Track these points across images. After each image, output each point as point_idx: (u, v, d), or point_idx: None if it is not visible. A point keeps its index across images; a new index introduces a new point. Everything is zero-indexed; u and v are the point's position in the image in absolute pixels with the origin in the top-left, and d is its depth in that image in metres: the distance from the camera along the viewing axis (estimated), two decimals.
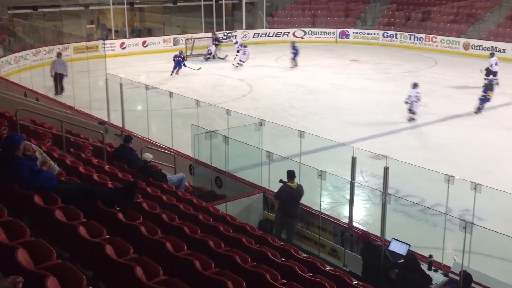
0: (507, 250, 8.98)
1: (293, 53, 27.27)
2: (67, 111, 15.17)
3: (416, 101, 17.93)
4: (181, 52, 26.12)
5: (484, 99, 18.75)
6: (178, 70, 25.18)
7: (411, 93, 18.03)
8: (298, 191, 9.78)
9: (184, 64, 25.44)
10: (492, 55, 23.07)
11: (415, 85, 18.27)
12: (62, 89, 21.35)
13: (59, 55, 22.55)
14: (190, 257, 5.09)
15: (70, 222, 4.92)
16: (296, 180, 9.78)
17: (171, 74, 25.05)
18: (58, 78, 21.36)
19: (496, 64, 22.17)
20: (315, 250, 9.61)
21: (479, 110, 18.74)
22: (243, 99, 21.24)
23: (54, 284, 3.44)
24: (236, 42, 29.94)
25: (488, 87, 18.92)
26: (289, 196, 9.77)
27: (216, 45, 30.42)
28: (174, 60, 25.32)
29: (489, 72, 21.91)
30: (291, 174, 9.72)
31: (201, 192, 11.07)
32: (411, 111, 18.01)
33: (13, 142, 5.74)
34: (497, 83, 21.05)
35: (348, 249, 9.32)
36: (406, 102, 18.07)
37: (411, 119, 17.98)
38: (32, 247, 4.00)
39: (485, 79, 20.92)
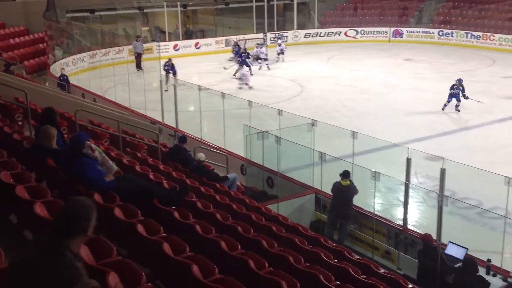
0: None
1: (240, 57, 25.28)
2: (123, 112, 15.56)
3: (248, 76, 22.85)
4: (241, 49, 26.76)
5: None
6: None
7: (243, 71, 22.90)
8: (349, 189, 9.78)
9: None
10: None
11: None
12: (139, 66, 25.96)
13: (138, 38, 27.99)
14: (244, 257, 5.12)
15: (128, 220, 5.04)
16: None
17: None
18: (136, 57, 26.56)
19: None
20: (368, 252, 9.49)
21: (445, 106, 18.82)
22: (294, 99, 21.20)
23: (115, 280, 3.54)
24: (280, 45, 29.07)
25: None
26: (338, 192, 9.89)
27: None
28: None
29: None
30: (345, 173, 9.80)
31: (253, 192, 11.13)
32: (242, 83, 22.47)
33: (80, 140, 5.98)
34: None
35: (403, 252, 9.16)
36: (240, 78, 22.75)
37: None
38: (93, 243, 4.12)
39: None
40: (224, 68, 25.86)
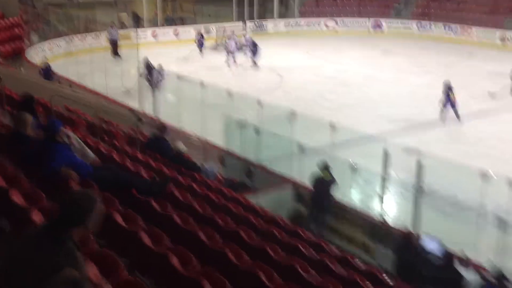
0: None
1: (252, 50, 25.03)
2: (100, 99, 15.37)
3: (161, 80, 18.87)
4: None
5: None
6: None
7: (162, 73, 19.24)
8: (328, 181, 9.83)
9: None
10: None
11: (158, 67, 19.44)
12: (116, 53, 25.84)
13: (112, 24, 27.49)
14: (223, 248, 5.10)
15: (106, 209, 4.96)
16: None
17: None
18: (112, 44, 26.26)
19: None
20: (346, 245, 9.54)
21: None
22: (274, 90, 21.16)
23: (94, 271, 3.48)
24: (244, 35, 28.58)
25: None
26: (318, 184, 9.95)
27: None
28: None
29: None
30: (324, 165, 9.89)
31: (232, 183, 11.08)
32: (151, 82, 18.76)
33: (54, 127, 5.88)
34: None
35: (380, 244, 9.23)
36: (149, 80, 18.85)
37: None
38: None
39: None
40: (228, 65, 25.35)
